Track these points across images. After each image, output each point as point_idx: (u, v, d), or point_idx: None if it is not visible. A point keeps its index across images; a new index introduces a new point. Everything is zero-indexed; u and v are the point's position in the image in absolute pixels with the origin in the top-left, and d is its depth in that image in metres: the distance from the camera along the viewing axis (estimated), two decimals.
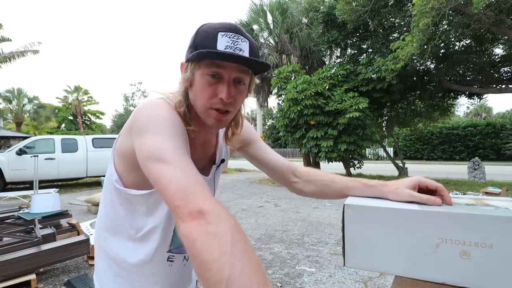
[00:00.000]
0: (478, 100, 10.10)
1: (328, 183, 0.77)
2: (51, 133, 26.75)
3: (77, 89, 32.09)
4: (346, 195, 0.73)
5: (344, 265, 0.61)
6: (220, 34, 0.58)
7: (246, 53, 0.59)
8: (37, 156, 5.91)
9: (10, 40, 13.72)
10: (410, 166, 11.21)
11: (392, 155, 13.02)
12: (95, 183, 9.89)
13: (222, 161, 0.79)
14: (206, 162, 0.75)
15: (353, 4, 8.08)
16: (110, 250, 0.71)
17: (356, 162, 10.12)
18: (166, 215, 0.68)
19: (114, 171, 0.68)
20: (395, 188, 0.65)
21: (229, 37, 0.58)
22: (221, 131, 0.77)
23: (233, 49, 0.58)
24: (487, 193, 5.36)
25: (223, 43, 0.57)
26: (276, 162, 0.83)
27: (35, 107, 25.67)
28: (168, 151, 0.51)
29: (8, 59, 13.18)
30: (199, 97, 0.61)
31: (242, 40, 0.59)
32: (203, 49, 0.57)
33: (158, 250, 0.69)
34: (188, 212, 0.42)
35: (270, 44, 12.63)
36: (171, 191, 0.46)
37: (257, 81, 0.69)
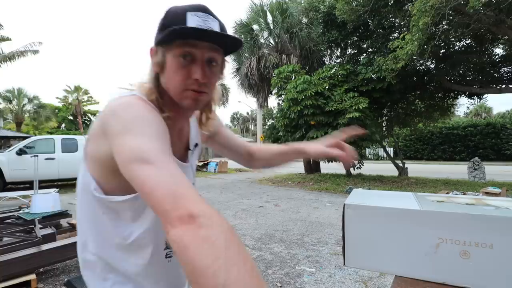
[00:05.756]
0: (478, 100, 10.09)
1: (272, 156, 0.94)
2: (51, 133, 26.75)
3: (77, 89, 32.11)
4: (286, 160, 0.93)
5: (344, 265, 0.61)
6: (189, 14, 0.58)
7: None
8: (37, 156, 5.90)
9: (10, 40, 13.72)
10: (410, 166, 11.21)
11: (392, 155, 13.00)
12: None
13: (196, 145, 0.79)
14: (182, 149, 0.75)
15: (353, 4, 8.07)
16: (100, 263, 0.67)
17: (356, 162, 10.11)
18: (155, 216, 0.66)
19: (91, 179, 0.63)
20: (314, 145, 0.83)
21: (199, 17, 0.58)
22: (193, 119, 0.79)
23: (204, 28, 0.58)
24: (487, 193, 5.36)
25: (193, 22, 0.57)
26: (238, 146, 0.93)
27: (35, 107, 25.68)
28: (152, 153, 0.48)
29: (8, 59, 13.17)
30: (173, 80, 0.60)
31: (212, 20, 0.59)
32: (162, 30, 0.58)
33: (155, 252, 0.68)
34: (178, 217, 0.40)
35: (270, 44, 12.63)
36: (158, 195, 0.43)
37: (228, 61, 0.69)
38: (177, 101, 0.62)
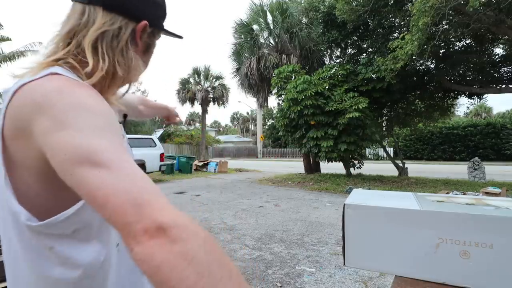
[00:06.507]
0: (478, 100, 10.09)
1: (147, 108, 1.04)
2: None
3: None
4: (154, 115, 1.08)
5: (344, 265, 0.61)
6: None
7: None
8: None
9: (10, 40, 13.73)
10: (410, 166, 11.21)
11: (392, 155, 13.00)
12: None
13: (125, 116, 0.79)
14: None
15: (353, 4, 8.08)
16: None
17: (356, 162, 10.13)
18: None
19: (17, 205, 0.45)
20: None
21: None
22: None
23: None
24: (487, 193, 5.36)
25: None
26: (133, 103, 1.00)
27: None
28: (104, 151, 0.39)
29: (8, 59, 13.17)
30: (148, 62, 0.64)
31: None
32: (164, 18, 0.63)
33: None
34: (144, 230, 0.33)
35: (270, 44, 12.62)
36: (115, 204, 0.35)
37: None
38: (134, 80, 0.63)
